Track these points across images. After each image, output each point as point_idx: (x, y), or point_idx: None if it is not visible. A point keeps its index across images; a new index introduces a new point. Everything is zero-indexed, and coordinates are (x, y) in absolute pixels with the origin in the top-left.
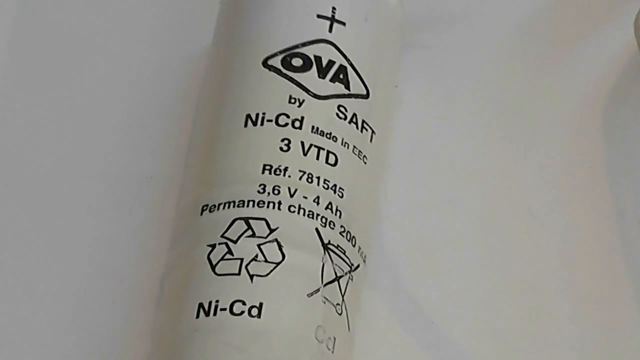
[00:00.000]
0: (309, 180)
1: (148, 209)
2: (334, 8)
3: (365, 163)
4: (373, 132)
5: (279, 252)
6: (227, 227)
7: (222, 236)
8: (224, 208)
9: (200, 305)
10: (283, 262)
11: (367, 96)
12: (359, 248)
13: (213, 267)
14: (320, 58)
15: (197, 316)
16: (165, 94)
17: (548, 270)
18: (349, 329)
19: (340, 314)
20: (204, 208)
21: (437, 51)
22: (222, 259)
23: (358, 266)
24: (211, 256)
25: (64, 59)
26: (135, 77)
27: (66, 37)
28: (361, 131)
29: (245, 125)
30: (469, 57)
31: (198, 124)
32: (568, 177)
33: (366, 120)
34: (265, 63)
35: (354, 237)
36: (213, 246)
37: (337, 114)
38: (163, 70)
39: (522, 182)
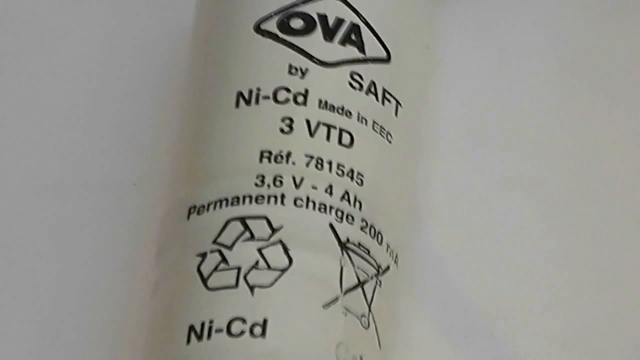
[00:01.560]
0: (319, 166)
1: (132, 219)
2: None
3: (389, 142)
4: (398, 103)
5: (285, 256)
6: (219, 230)
7: (214, 242)
8: (214, 208)
9: (191, 328)
10: (290, 267)
11: (387, 60)
12: (388, 246)
13: (205, 281)
14: (325, 17)
15: (188, 341)
16: (147, 86)
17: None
18: (379, 346)
19: (367, 328)
20: (192, 210)
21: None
22: (215, 269)
23: (388, 268)
24: (202, 267)
25: (32, 55)
26: (113, 71)
27: (33, 28)
28: (382, 103)
29: (237, 105)
30: (525, 4)
31: (184, 110)
32: None
33: (388, 89)
34: (258, 28)
35: (379, 232)
36: (204, 255)
37: (350, 84)
38: (142, 60)
39: (603, 156)
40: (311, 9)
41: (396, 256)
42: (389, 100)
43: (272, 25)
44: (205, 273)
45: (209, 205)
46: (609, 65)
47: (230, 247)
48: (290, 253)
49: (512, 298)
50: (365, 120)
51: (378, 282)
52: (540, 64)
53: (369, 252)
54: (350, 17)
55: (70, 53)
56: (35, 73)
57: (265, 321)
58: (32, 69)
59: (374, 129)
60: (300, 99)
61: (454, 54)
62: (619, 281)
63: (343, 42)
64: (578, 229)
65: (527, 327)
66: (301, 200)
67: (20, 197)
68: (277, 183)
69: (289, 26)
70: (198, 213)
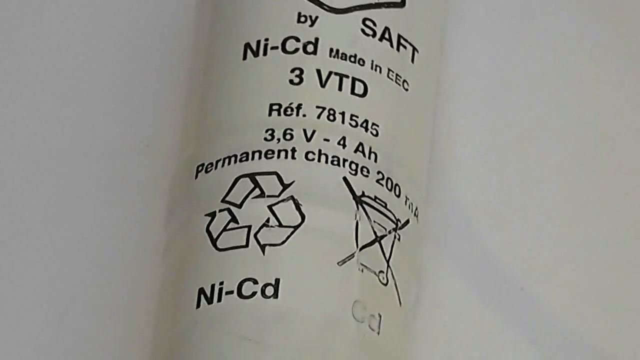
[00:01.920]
0: (331, 117)
1: (146, 180)
2: None
3: (406, 89)
4: (415, 49)
5: (297, 212)
6: (228, 188)
7: (223, 201)
8: (223, 165)
9: (201, 290)
10: (303, 224)
11: (402, 4)
12: (407, 199)
13: (214, 241)
14: None
15: (198, 305)
16: (158, 46)
17: None
18: (400, 303)
19: (385, 284)
20: (199, 169)
21: None
22: (224, 229)
23: (407, 222)
24: (211, 228)
25: (43, 21)
26: (124, 32)
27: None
28: (397, 49)
29: (245, 57)
30: None
31: (193, 67)
32: None
33: (403, 35)
34: None
35: (397, 185)
36: (213, 215)
37: (363, 30)
38: (153, 18)
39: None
40: None
41: (416, 209)
42: (404, 47)
43: None
44: (215, 233)
45: (217, 162)
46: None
47: (239, 205)
48: (303, 209)
49: (540, 252)
50: (380, 68)
51: (397, 237)
52: (564, 20)
53: (386, 205)
54: None
55: (80, 19)
56: (45, 38)
57: (277, 281)
58: (43, 34)
59: (389, 76)
60: (310, 48)
61: (475, 4)
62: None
63: None
64: (608, 182)
65: (558, 280)
66: (313, 153)
67: (36, 161)
68: (288, 137)
69: None
70: (206, 171)
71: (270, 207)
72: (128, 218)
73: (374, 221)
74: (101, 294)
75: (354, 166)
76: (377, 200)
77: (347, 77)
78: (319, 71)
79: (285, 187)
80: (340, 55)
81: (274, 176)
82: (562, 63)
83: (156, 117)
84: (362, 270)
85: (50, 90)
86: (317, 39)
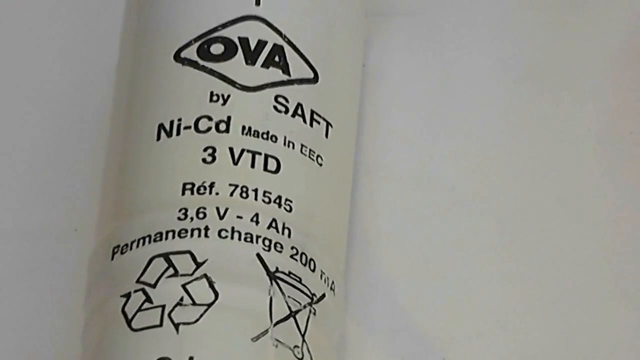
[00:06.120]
0: (244, 194)
1: (74, 264)
2: None
3: (320, 164)
4: (329, 124)
5: (210, 290)
6: (143, 269)
7: (137, 281)
8: (137, 246)
9: None
10: (216, 302)
11: (315, 80)
12: (322, 273)
13: (129, 322)
14: (247, 40)
15: None
16: (85, 131)
17: (591, 286)
18: None
19: (301, 359)
20: (115, 250)
21: (422, 17)
22: (139, 309)
23: (323, 296)
24: (126, 308)
25: None
26: (49, 115)
27: None
28: (311, 124)
29: (158, 138)
30: (464, 18)
31: (109, 146)
32: (606, 154)
33: (317, 111)
34: (177, 56)
35: (311, 259)
36: (128, 295)
37: (275, 107)
38: (77, 103)
39: (550, 166)
40: (232, 33)
41: (332, 283)
42: (317, 122)
43: (191, 53)
44: (130, 314)
45: (132, 243)
46: (558, 75)
47: (154, 285)
48: (216, 287)
49: (463, 322)
50: (293, 144)
51: (312, 311)
52: (485, 78)
53: (300, 280)
54: (272, 39)
55: (6, 100)
56: None
57: (191, 359)
58: None
59: (302, 152)
60: (222, 126)
61: (396, 70)
62: (571, 302)
63: (266, 65)
64: (529, 250)
65: (479, 351)
66: (226, 231)
67: None
68: (201, 215)
69: (209, 52)
70: (122, 252)
71: (183, 286)
72: (53, 299)
73: (289, 296)
74: None
75: (267, 242)
76: (292, 275)
77: (260, 154)
78: (231, 149)
79: (198, 265)
80: (252, 132)
81: (188, 255)
82: (484, 132)
83: (85, 202)
84: (277, 346)
85: None
86: (229, 118)
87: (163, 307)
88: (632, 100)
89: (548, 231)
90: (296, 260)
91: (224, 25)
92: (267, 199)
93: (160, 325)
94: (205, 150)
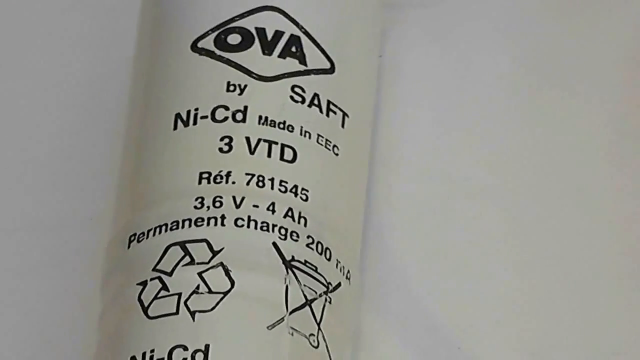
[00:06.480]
0: (260, 184)
1: (90, 253)
2: None
3: (336, 154)
4: (345, 114)
5: (226, 278)
6: (159, 257)
7: (154, 269)
8: (154, 234)
9: (133, 359)
10: (232, 290)
11: (331, 70)
12: (338, 262)
13: (145, 310)
14: (264, 30)
15: None
16: (102, 120)
17: (604, 276)
18: None
19: (316, 347)
20: (132, 238)
21: (439, 9)
22: (155, 297)
23: (339, 285)
24: (142, 296)
25: None
26: (68, 106)
27: None
28: (327, 115)
29: (175, 127)
30: (481, 11)
31: (127, 135)
32: (618, 148)
33: (333, 101)
34: (194, 46)
35: (327, 248)
36: (144, 284)
37: (292, 97)
38: (95, 93)
39: (563, 160)
40: (249, 23)
41: (348, 272)
42: (334, 112)
43: (209, 43)
44: (146, 302)
45: (148, 232)
46: (572, 68)
47: (170, 274)
48: (232, 275)
49: (479, 309)
50: (309, 133)
51: (328, 300)
52: (500, 70)
53: (316, 269)
54: (290, 29)
55: (24, 91)
56: None
57: (207, 347)
58: None
59: (318, 142)
60: (239, 116)
61: (413, 62)
62: (583, 291)
63: (283, 55)
64: (543, 241)
65: (494, 340)
66: (242, 220)
67: None
68: (217, 204)
69: (226, 42)
70: (138, 241)
71: (200, 274)
72: (70, 287)
73: (304, 285)
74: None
75: (283, 231)
76: (307, 264)
77: (277, 143)
78: (248, 138)
79: (215, 253)
80: (269, 122)
81: (204, 243)
82: (499, 125)
83: (101, 191)
84: (292, 334)
85: None
86: (246, 107)
87: (179, 295)
88: None
89: (560, 222)
90: (312, 249)
91: (241, 16)
92: (283, 188)
93: (177, 313)
94: (222, 139)
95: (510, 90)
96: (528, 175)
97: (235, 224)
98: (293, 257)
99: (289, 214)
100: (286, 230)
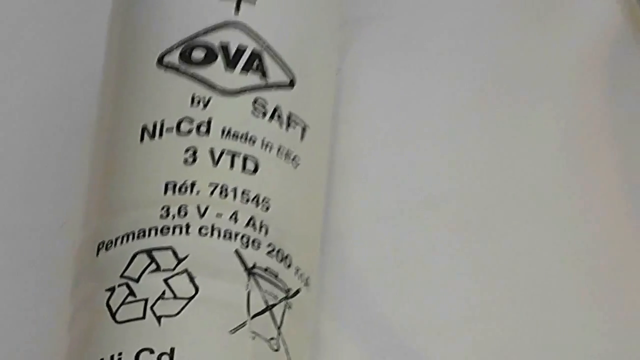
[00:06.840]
0: (223, 194)
1: (61, 259)
2: None
3: (296, 166)
4: (305, 127)
5: (191, 284)
6: (127, 264)
7: (122, 276)
8: (122, 242)
9: None
10: (196, 295)
11: (291, 85)
12: (297, 269)
13: (113, 315)
14: (227, 46)
15: None
16: (71, 127)
17: (561, 279)
18: None
19: (276, 350)
20: (100, 246)
21: (393, 21)
22: (123, 302)
23: (298, 291)
24: (111, 302)
25: None
26: (38, 112)
27: None
28: (287, 128)
29: (142, 139)
30: (437, 24)
31: (95, 147)
32: (574, 153)
33: (293, 114)
34: (160, 61)
35: (287, 256)
36: (112, 290)
37: (254, 111)
38: (65, 99)
39: (521, 167)
40: (212, 39)
41: (307, 279)
42: (294, 125)
43: (174, 57)
44: (114, 307)
45: (116, 240)
46: (530, 78)
47: (137, 280)
48: (196, 281)
49: (435, 318)
50: (270, 146)
51: (287, 305)
52: (457, 82)
53: (277, 275)
54: (251, 45)
55: None
56: None
57: (172, 350)
58: None
59: (279, 154)
60: (203, 128)
61: (370, 75)
62: (538, 296)
63: (245, 70)
64: (500, 248)
65: (452, 346)
66: (206, 228)
67: None
68: (182, 213)
69: (190, 57)
70: (106, 249)
71: (165, 281)
72: (40, 293)
73: (265, 291)
74: None
75: (245, 239)
76: (268, 271)
77: (239, 155)
78: (212, 150)
79: (180, 261)
80: (232, 134)
81: (169, 251)
82: (455, 135)
83: (70, 199)
84: (254, 338)
85: None
86: (209, 120)
87: (146, 300)
88: (598, 101)
89: (517, 229)
90: (273, 256)
91: (206, 31)
92: (245, 198)
93: (143, 317)
94: (186, 151)
95: (466, 99)
96: (484, 183)
97: (200, 233)
98: (255, 264)
99: (251, 222)
100: (248, 238)
